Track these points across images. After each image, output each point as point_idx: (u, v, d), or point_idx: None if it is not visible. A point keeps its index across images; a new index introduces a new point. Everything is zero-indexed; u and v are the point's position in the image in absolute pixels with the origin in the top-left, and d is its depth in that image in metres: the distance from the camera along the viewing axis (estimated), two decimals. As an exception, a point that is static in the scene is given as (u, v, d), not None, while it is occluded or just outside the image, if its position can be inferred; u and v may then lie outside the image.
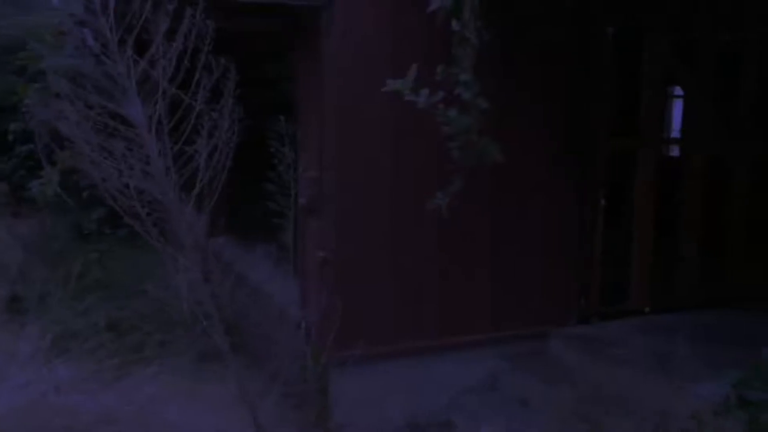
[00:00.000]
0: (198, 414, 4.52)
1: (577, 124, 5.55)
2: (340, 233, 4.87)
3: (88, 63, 3.37)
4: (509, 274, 5.41)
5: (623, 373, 4.91)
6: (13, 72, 9.57)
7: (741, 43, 6.41)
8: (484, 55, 3.84)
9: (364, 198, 4.92)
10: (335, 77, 4.75)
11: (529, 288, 5.50)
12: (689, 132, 6.52)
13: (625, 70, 6.42)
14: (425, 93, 3.76)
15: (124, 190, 3.52)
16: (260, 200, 4.69)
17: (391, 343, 5.01)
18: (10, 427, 4.07)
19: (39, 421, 4.14)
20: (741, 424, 3.52)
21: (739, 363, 4.15)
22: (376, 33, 4.83)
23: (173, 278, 3.90)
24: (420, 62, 3.79)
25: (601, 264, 5.80)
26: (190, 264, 3.75)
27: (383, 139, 4.93)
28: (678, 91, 9.48)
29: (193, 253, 3.74)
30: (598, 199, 5.73)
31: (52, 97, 3.80)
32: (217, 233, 6.97)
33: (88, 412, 4.20)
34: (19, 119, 7.85)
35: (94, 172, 3.47)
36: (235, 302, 4.27)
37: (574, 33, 5.46)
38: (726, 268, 6.51)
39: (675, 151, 8.95)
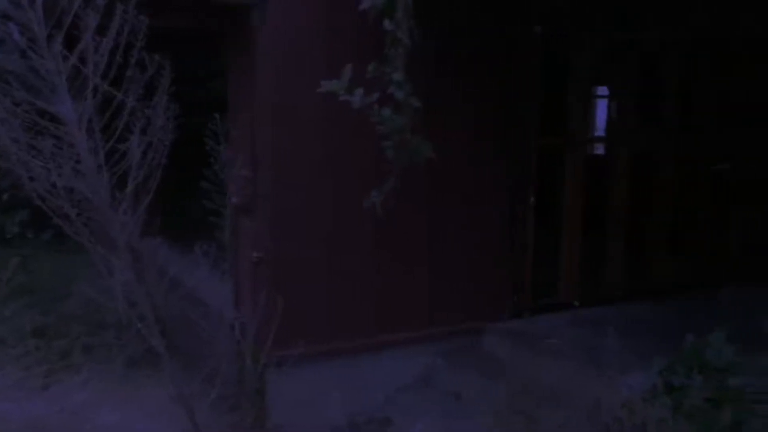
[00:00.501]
0: (132, 418, 4.42)
1: (508, 123, 5.68)
2: (275, 233, 4.85)
3: (14, 59, 3.26)
4: (444, 272, 5.50)
5: (555, 365, 5.05)
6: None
7: (664, 44, 6.68)
8: (417, 55, 3.89)
9: (300, 197, 4.92)
10: (268, 75, 4.73)
11: (463, 284, 5.60)
12: (615, 131, 6.74)
13: (553, 70, 6.60)
14: (360, 93, 3.78)
15: (52, 189, 3.41)
16: (197, 199, 4.62)
17: (329, 342, 5.02)
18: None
19: (-37, 431, 3.98)
20: (667, 409, 3.67)
21: (665, 352, 4.31)
22: (310, 30, 4.83)
23: (105, 280, 3.79)
24: (355, 60, 3.81)
25: (532, 260, 5.95)
26: (123, 265, 3.67)
27: (318, 138, 4.93)
28: (602, 91, 9.78)
29: (126, 254, 3.66)
30: (529, 197, 5.87)
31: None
32: (152, 233, 6.80)
33: (16, 420, 4.06)
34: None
35: (21, 172, 3.35)
36: (170, 303, 4.19)
37: (504, 33, 5.59)
38: (651, 262, 6.77)
39: (601, 150, 9.23)
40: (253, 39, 4.69)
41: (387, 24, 3.82)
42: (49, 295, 6.04)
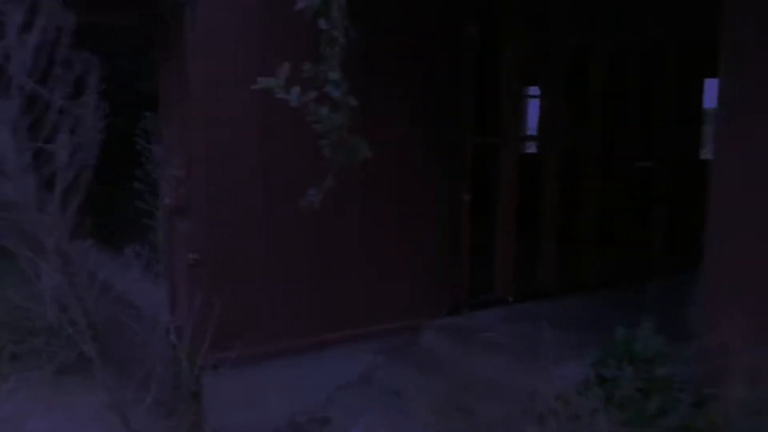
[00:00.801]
0: (63, 427, 4.30)
1: (443, 122, 5.75)
2: (211, 234, 4.78)
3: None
4: (382, 270, 5.52)
5: (492, 359, 5.13)
6: None
7: (590, 45, 6.87)
8: (354, 53, 3.89)
9: (236, 197, 4.86)
10: (200, 73, 4.64)
11: (401, 282, 5.64)
12: (546, 130, 6.90)
13: (488, 70, 6.71)
14: (297, 91, 3.75)
15: (-25, 192, 3.28)
16: (128, 200, 4.51)
17: (269, 342, 4.98)
18: None
19: None
20: (600, 400, 3.77)
21: (598, 344, 4.43)
22: (243, 29, 4.78)
23: (33, 285, 3.67)
24: (291, 59, 3.78)
25: (469, 258, 6.03)
26: (52, 269, 3.56)
27: (254, 138, 4.88)
28: (534, 90, 9.98)
29: (55, 257, 3.55)
30: (464, 196, 5.95)
31: None
32: (82, 235, 6.60)
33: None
34: None
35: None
36: (101, 308, 4.08)
37: (439, 32, 5.65)
38: (581, 258, 6.96)
39: (534, 149, 9.41)
40: (184, 37, 4.61)
41: (322, 23, 3.81)
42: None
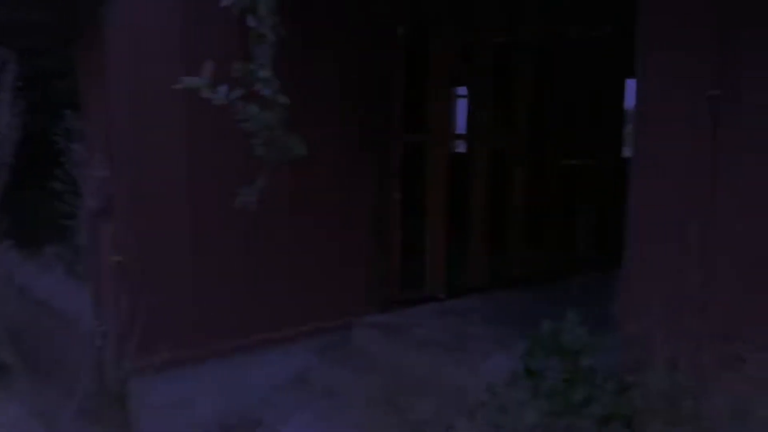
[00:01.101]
0: (-18, 438, 4.12)
1: (372, 120, 5.77)
2: (136, 235, 4.67)
3: None
4: (313, 269, 5.51)
5: (423, 355, 5.18)
6: None
7: (515, 43, 7.02)
8: (283, 51, 3.87)
9: (162, 198, 4.76)
10: (122, 72, 4.53)
11: (332, 281, 5.63)
12: (473, 129, 7.02)
13: (417, 69, 6.78)
14: (224, 90, 3.70)
15: None
16: (48, 200, 4.36)
17: (199, 345, 4.90)
18: None
19: None
20: (527, 392, 3.86)
21: (526, 337, 4.55)
22: (167, 26, 4.68)
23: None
24: (218, 56, 3.73)
25: (400, 254, 6.08)
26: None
27: (181, 137, 4.79)
28: (462, 90, 10.12)
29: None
30: (394, 193, 6.00)
31: None
32: (-1, 237, 6.38)
33: None
34: None
35: None
36: (20, 312, 3.94)
37: (370, 33, 5.68)
38: (510, 254, 7.11)
39: (463, 148, 9.54)
40: (104, 35, 4.49)
41: (250, 20, 3.77)
42: None
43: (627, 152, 9.16)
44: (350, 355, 5.54)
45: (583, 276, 7.20)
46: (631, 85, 8.68)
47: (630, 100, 8.95)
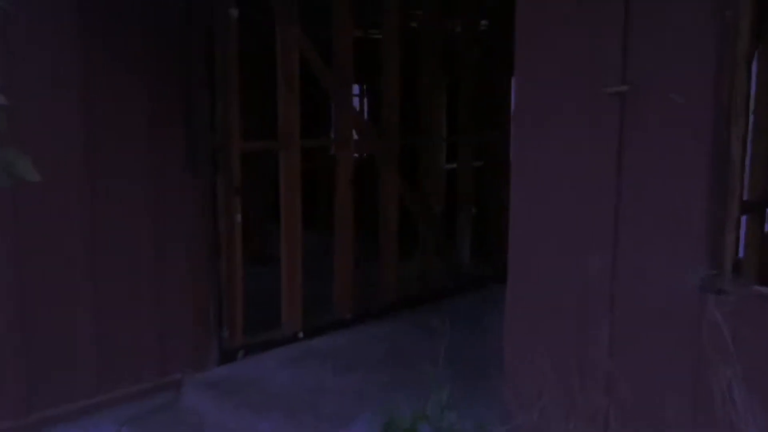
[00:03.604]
0: None
1: (200, 125, 4.61)
2: None
3: None
4: (123, 316, 4.29)
5: (264, 421, 4.10)
6: None
7: (382, 40, 6.02)
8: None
9: None
10: None
11: (151, 329, 4.42)
12: (337, 132, 5.91)
13: (265, 63, 5.68)
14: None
15: None
16: None
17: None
18: None
19: None
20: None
21: (393, 388, 3.57)
22: None
23: None
24: None
25: (243, 290, 4.95)
26: None
27: None
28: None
29: None
30: (234, 215, 4.86)
31: None
32: None
33: None
34: None
35: None
36: None
37: (191, 11, 4.50)
38: (383, 274, 6.08)
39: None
40: None
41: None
42: None
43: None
44: (177, 423, 4.35)
45: (465, 296, 6.35)
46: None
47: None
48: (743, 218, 2.95)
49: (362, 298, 5.81)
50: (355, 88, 7.81)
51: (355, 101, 8.42)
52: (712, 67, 2.46)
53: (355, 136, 5.86)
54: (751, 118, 3.60)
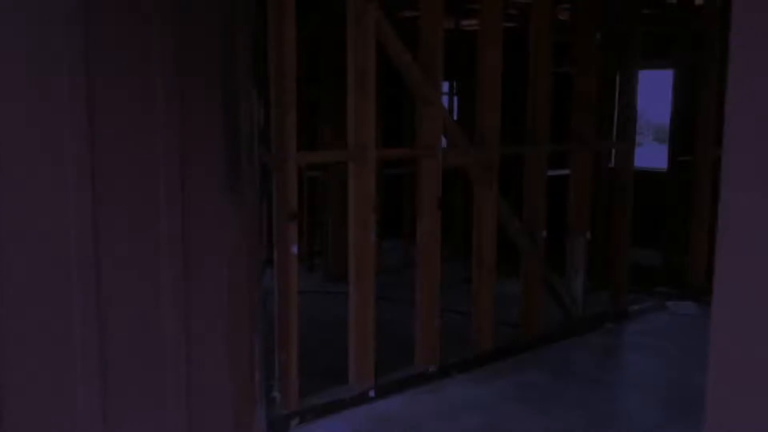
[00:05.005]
0: None
1: (245, 134, 3.58)
2: None
3: None
4: (129, 385, 3.28)
5: None
6: None
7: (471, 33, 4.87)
8: None
9: None
10: None
11: (176, 400, 3.41)
12: (421, 138, 4.80)
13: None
14: None
15: None
16: None
17: None
18: None
19: None
20: None
21: None
22: None
23: None
24: None
25: (299, 338, 3.92)
26: None
27: None
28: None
29: None
30: (290, 244, 3.84)
31: None
32: None
33: None
34: None
35: None
36: None
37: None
38: (474, 320, 4.93)
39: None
40: None
41: None
42: None
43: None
44: None
45: (576, 340, 5.15)
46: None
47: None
48: None
49: (450, 345, 4.69)
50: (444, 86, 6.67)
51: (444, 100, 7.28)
52: None
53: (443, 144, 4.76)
54: None
